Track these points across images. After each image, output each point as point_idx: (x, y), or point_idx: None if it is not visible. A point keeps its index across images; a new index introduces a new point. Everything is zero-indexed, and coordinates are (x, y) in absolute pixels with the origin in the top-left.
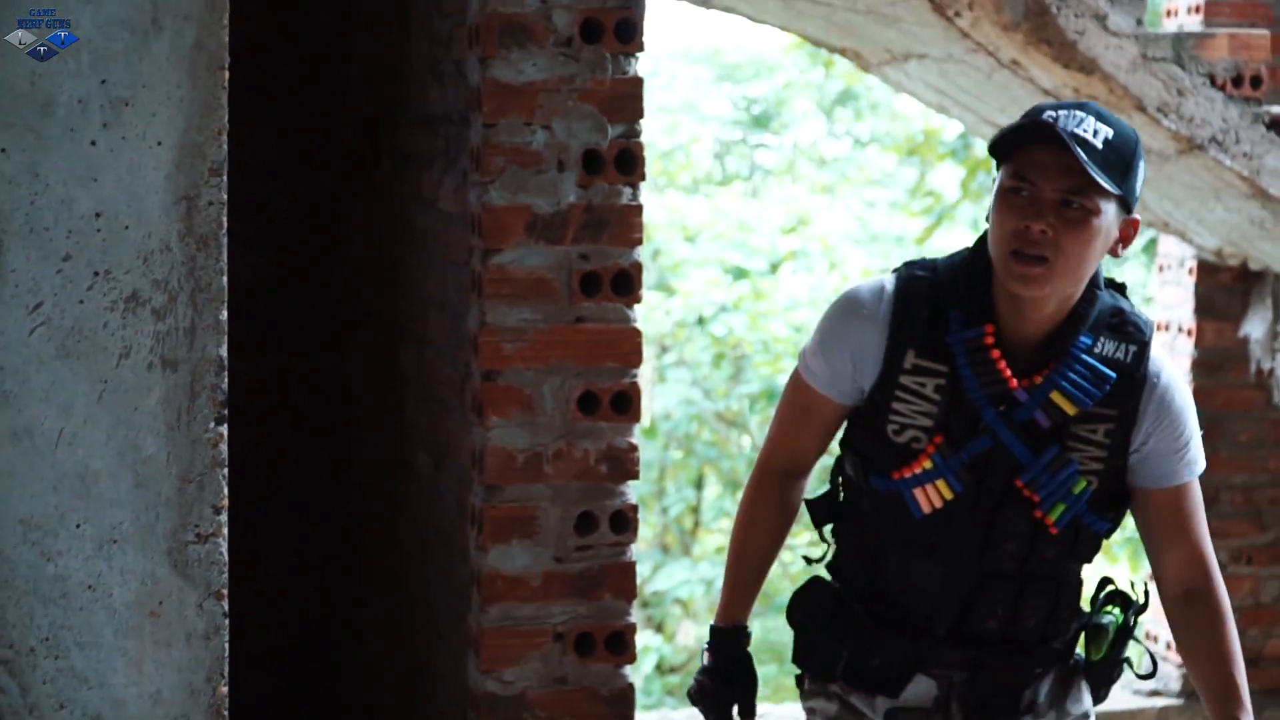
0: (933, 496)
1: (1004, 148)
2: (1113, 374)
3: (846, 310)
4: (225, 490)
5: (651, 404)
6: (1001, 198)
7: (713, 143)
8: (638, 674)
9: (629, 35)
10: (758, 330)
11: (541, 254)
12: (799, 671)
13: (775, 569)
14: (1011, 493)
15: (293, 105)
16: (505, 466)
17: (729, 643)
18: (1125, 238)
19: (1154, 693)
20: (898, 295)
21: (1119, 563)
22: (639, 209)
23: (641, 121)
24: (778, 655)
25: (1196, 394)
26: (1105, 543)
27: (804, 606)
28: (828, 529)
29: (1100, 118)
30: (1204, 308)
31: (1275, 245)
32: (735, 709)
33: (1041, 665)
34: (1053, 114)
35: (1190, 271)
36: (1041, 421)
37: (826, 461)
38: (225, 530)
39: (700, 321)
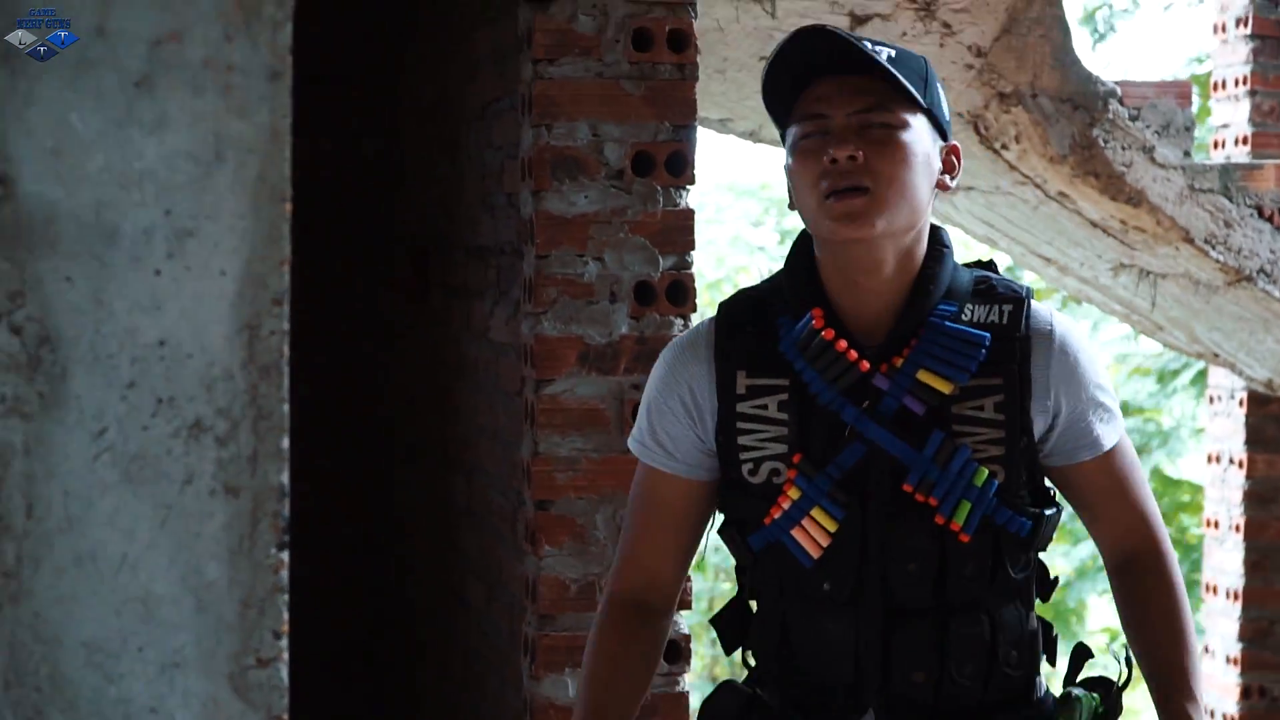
0: (815, 534)
1: (781, 97)
2: (986, 334)
3: (666, 357)
4: (286, 615)
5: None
6: (795, 154)
7: (760, 275)
8: None
9: (680, 168)
10: None
11: (594, 384)
12: None
13: None
14: (902, 501)
15: (345, 234)
16: (558, 596)
17: None
18: (948, 166)
19: None
20: (719, 322)
21: None
22: None
23: (692, 253)
24: None
25: (1249, 526)
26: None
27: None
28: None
29: (875, 42)
30: (1255, 439)
31: None
32: None
33: None
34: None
35: (1240, 403)
36: (914, 408)
37: None
38: (286, 655)
39: None
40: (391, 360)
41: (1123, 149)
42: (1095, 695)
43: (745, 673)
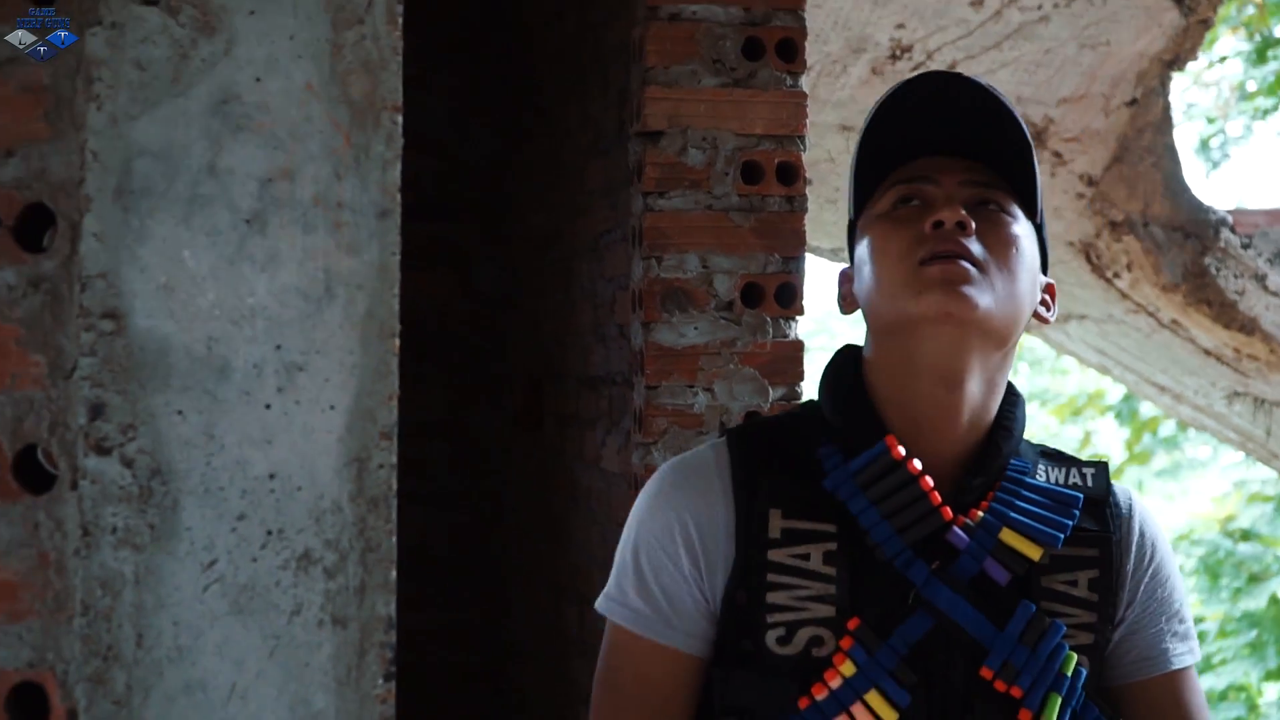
0: None
1: (875, 166)
2: (1079, 495)
3: (659, 488)
4: None
5: None
6: (879, 225)
7: None
8: None
9: (789, 299)
10: None
11: None
12: None
13: None
14: (978, 689)
15: (459, 365)
16: None
17: None
18: (1043, 303)
19: None
20: (735, 447)
21: None
22: None
23: (802, 384)
24: None
25: None
26: None
27: None
28: None
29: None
30: None
31: None
32: None
33: None
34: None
35: None
36: (996, 575)
37: None
38: None
39: None
40: (505, 488)
41: (1235, 277)
42: None
43: None
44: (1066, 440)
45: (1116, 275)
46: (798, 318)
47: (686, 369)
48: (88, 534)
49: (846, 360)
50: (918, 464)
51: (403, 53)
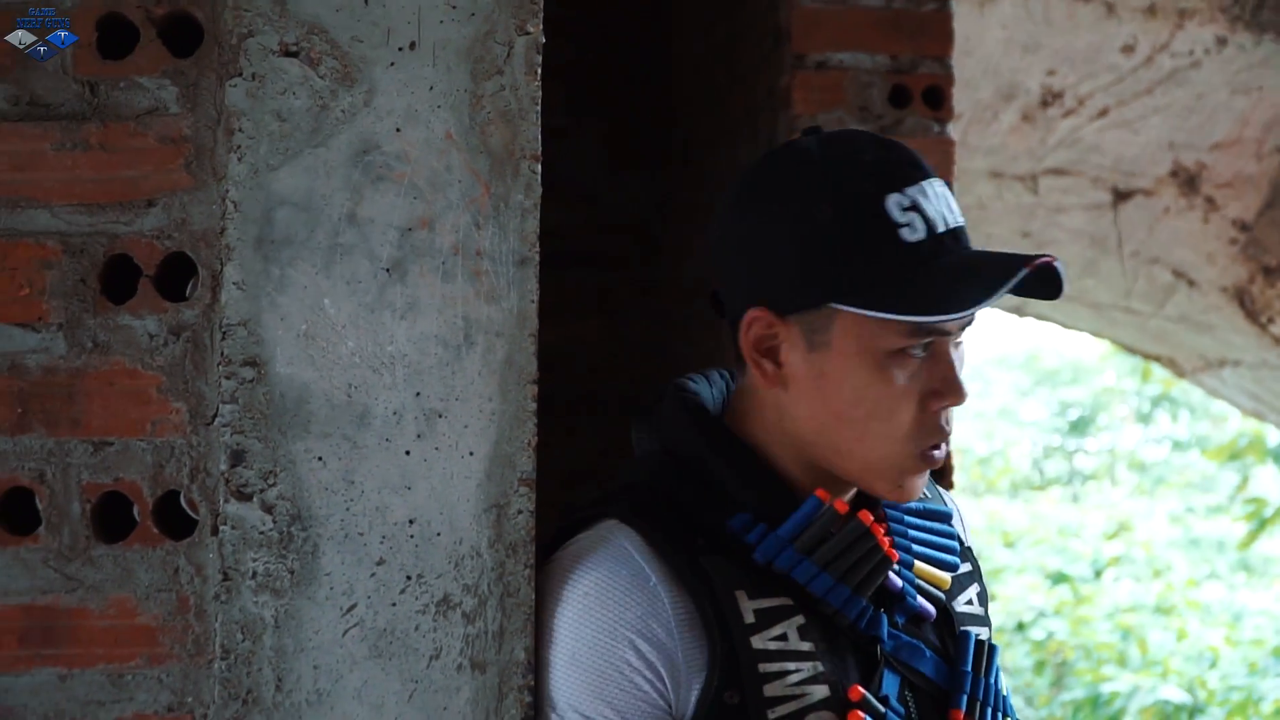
0: None
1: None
2: (942, 509)
3: (589, 606)
4: None
5: None
6: (891, 365)
7: (1030, 447)
8: None
9: None
10: (1080, 636)
11: None
12: None
13: None
14: None
15: (610, 415)
16: None
17: None
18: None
19: None
20: (646, 531)
21: None
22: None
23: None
24: None
25: None
26: None
27: None
28: None
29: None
30: None
31: None
32: None
33: None
34: (941, 218)
35: None
36: (925, 612)
37: None
38: None
39: (1020, 627)
40: None
41: None
42: None
43: None
44: (1224, 483)
45: (1270, 321)
46: None
47: None
48: (228, 579)
49: (705, 422)
50: (869, 514)
51: (551, 103)
